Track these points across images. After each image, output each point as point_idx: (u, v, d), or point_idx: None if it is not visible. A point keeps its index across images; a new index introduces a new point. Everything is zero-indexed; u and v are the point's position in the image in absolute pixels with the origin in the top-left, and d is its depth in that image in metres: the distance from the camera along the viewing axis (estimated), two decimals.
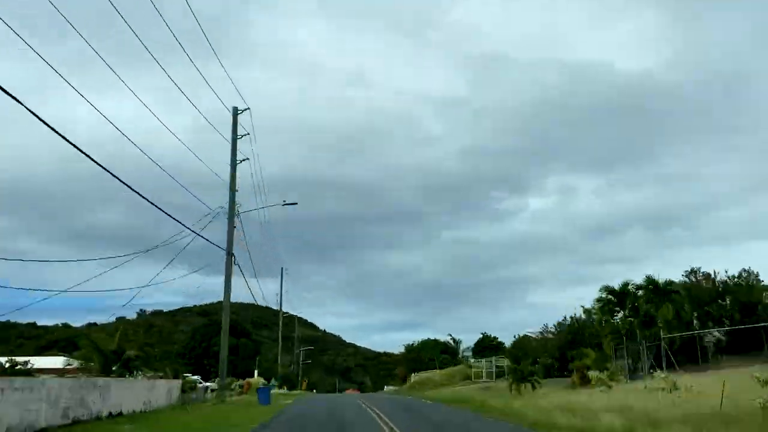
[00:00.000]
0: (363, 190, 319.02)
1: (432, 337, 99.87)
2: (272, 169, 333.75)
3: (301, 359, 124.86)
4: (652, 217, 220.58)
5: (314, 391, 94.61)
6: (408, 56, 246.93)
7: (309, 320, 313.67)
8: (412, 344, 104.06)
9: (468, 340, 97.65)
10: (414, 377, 75.95)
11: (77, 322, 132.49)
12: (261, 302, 46.99)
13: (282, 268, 75.42)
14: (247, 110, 32.58)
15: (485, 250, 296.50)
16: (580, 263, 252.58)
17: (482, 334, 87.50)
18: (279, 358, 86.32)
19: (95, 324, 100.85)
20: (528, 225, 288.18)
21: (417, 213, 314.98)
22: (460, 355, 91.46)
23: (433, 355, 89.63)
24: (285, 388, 69.51)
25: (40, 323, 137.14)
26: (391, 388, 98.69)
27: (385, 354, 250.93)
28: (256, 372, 71.56)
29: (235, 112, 32.52)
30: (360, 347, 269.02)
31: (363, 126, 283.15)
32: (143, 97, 29.20)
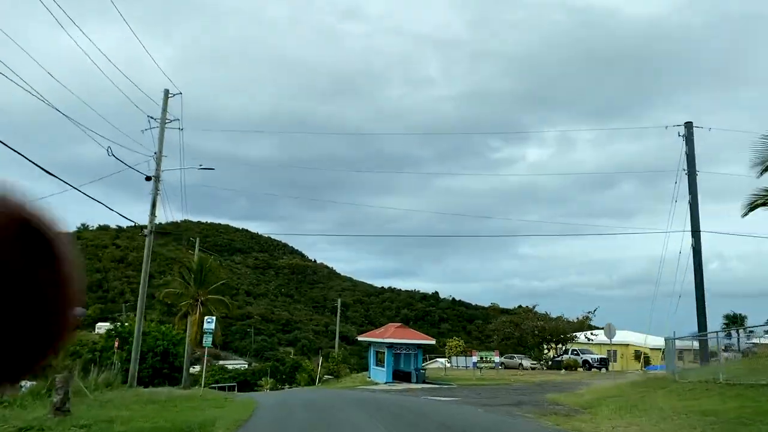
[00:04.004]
0: (354, 133, 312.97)
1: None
2: (258, 105, 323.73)
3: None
4: (649, 169, 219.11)
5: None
6: None
7: (296, 247, 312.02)
8: None
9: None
10: None
11: None
12: None
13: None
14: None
15: (478, 199, 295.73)
16: (574, 215, 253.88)
17: None
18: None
19: None
20: (524, 175, 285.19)
21: (410, 158, 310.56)
22: None
23: None
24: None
25: None
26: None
27: (391, 290, 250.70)
28: None
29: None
30: (358, 282, 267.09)
31: (356, 64, 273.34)
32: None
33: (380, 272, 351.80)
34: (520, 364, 54.41)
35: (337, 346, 65.71)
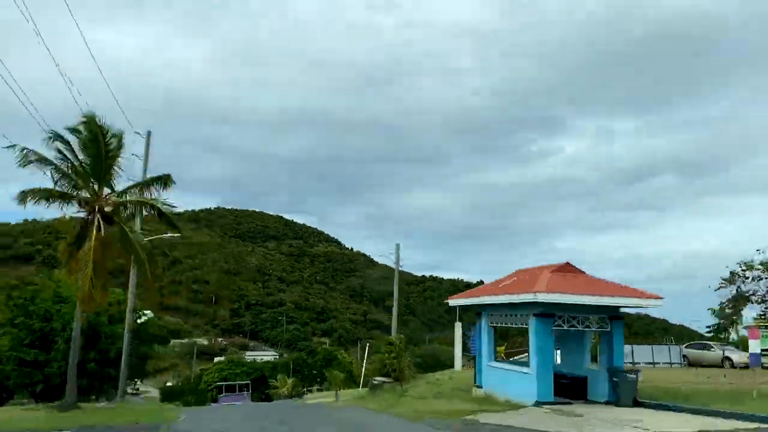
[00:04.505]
0: (386, 128, 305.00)
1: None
2: (287, 101, 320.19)
3: None
4: (686, 163, 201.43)
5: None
6: None
7: (332, 235, 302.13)
8: None
9: None
10: None
11: None
12: None
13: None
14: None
15: (512, 194, 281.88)
16: (610, 209, 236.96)
17: None
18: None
19: None
20: (559, 169, 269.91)
21: (442, 153, 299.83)
22: None
23: None
24: None
25: None
26: None
27: (432, 278, 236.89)
28: None
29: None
30: (400, 271, 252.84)
31: (387, 57, 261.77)
32: None
33: (419, 263, 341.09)
34: (727, 358, 32.72)
35: (395, 322, 42.71)
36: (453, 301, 25.08)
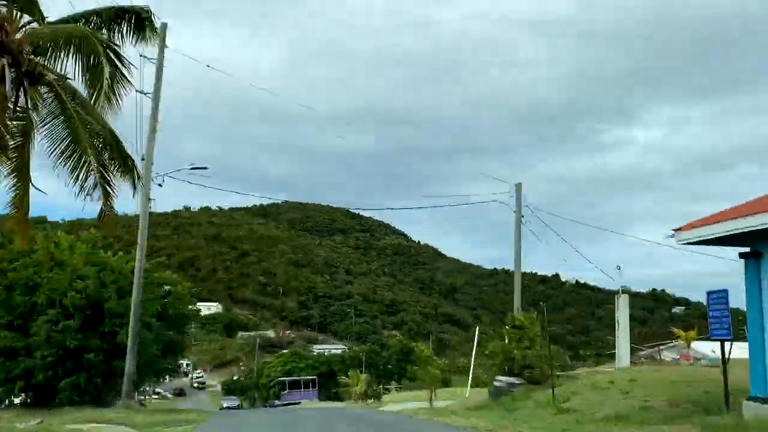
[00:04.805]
0: (449, 122, 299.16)
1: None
2: (352, 100, 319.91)
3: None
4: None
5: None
6: None
7: (398, 227, 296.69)
8: None
9: None
10: None
11: None
12: None
13: None
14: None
15: (582, 186, 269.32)
16: (686, 200, 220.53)
17: None
18: None
19: None
20: (631, 159, 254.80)
21: (509, 146, 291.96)
22: None
23: None
24: None
25: None
26: None
27: (505, 272, 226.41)
28: None
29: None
30: (466, 263, 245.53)
31: (450, 50, 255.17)
32: None
33: (488, 256, 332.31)
34: None
35: (518, 293, 30.10)
36: (692, 233, 12.63)
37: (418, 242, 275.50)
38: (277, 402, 57.15)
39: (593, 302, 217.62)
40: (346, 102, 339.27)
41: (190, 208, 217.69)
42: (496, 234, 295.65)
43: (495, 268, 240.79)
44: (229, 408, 49.96)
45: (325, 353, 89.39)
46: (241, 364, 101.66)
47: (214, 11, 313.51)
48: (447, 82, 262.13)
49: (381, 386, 50.57)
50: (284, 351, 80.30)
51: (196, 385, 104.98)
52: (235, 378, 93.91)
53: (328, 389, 60.53)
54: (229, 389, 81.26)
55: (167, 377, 46.69)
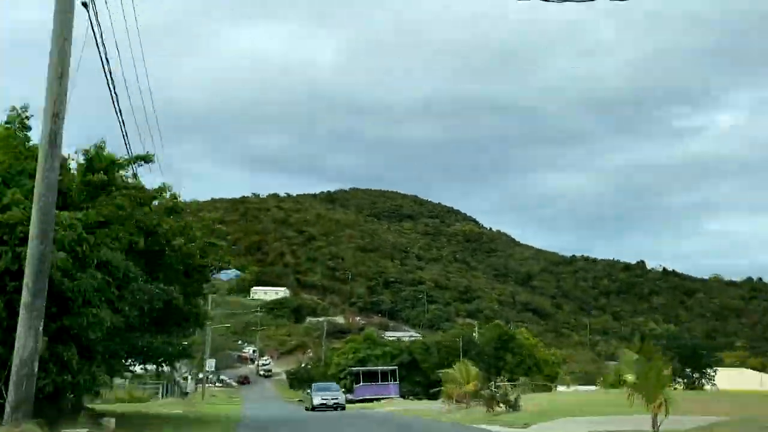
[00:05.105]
0: (518, 110, 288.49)
1: None
2: (417, 91, 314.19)
3: None
4: None
5: None
6: None
7: (468, 213, 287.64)
8: None
9: None
10: None
11: None
12: None
13: None
14: None
15: (659, 173, 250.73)
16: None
17: None
18: None
19: None
20: (710, 144, 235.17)
21: (580, 133, 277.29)
22: None
23: None
24: None
25: None
26: None
27: (584, 258, 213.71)
28: None
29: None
30: (542, 250, 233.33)
31: (519, 36, 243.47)
32: None
33: (564, 243, 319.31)
34: None
35: None
36: None
37: (490, 228, 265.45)
38: (349, 396, 49.89)
39: (681, 290, 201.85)
40: (413, 93, 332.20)
41: (258, 194, 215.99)
42: (572, 221, 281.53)
43: (573, 255, 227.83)
44: (324, 406, 35.09)
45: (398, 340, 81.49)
46: (308, 351, 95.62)
47: (281, 6, 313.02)
48: (517, 70, 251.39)
49: (499, 381, 36.95)
50: (356, 336, 71.00)
51: (262, 372, 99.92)
52: (302, 366, 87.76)
53: (411, 382, 52.06)
54: (297, 378, 74.74)
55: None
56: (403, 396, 47.81)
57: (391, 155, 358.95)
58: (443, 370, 30.07)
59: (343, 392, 52.73)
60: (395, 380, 49.59)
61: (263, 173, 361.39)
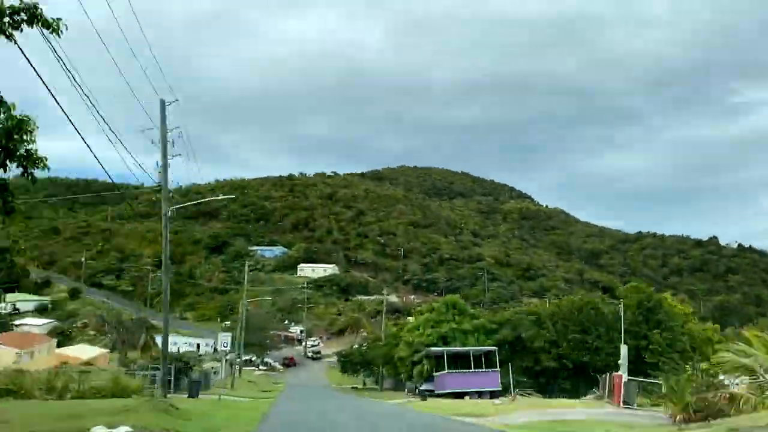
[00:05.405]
0: (570, 88, 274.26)
1: None
2: (461, 72, 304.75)
3: None
4: None
5: None
6: None
7: (523, 190, 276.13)
8: None
9: None
10: None
11: None
12: None
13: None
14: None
15: (715, 150, 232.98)
16: None
17: None
18: None
19: None
20: None
21: (635, 110, 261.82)
22: None
23: None
24: None
25: None
26: None
27: (652, 235, 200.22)
28: None
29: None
30: (604, 227, 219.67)
31: (569, 12, 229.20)
32: None
33: (623, 221, 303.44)
34: None
35: None
36: None
37: (546, 206, 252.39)
38: (423, 388, 38.70)
39: (761, 268, 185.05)
40: (463, 74, 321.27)
41: (305, 174, 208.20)
42: (631, 199, 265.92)
43: (640, 232, 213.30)
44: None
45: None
46: (362, 331, 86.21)
47: None
48: (568, 47, 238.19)
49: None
50: (434, 302, 54.40)
51: (310, 355, 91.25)
52: (354, 347, 78.13)
53: (516, 369, 38.04)
54: (350, 361, 64.93)
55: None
56: (503, 390, 35.89)
57: (438, 136, 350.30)
58: (721, 351, 17.37)
59: (416, 384, 41.25)
60: (494, 366, 37.89)
61: (309, 156, 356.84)
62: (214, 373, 48.74)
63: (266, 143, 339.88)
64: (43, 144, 9.43)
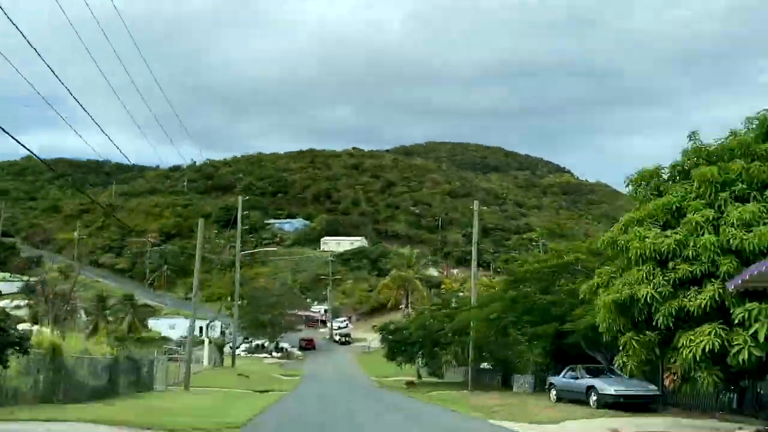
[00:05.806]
0: (596, 68, 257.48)
1: None
2: (484, 53, 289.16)
3: None
4: None
5: None
6: None
7: (560, 164, 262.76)
8: None
9: None
10: None
11: None
12: None
13: None
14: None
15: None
16: None
17: None
18: None
19: None
20: None
21: (663, 91, 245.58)
22: None
23: None
24: None
25: None
26: None
27: None
28: None
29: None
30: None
31: None
32: None
33: None
34: None
35: None
36: None
37: (587, 180, 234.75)
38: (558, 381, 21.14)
39: None
40: (486, 54, 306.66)
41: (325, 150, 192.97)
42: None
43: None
44: None
45: None
46: (402, 306, 69.71)
47: None
48: (595, 25, 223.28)
49: None
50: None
51: (337, 338, 75.25)
52: (392, 327, 60.02)
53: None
54: (392, 342, 47.72)
55: None
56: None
57: (463, 120, 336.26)
58: None
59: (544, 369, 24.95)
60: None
61: (330, 143, 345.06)
62: (197, 362, 32.81)
63: (286, 130, 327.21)
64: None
